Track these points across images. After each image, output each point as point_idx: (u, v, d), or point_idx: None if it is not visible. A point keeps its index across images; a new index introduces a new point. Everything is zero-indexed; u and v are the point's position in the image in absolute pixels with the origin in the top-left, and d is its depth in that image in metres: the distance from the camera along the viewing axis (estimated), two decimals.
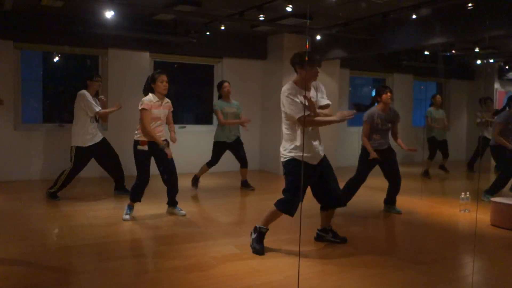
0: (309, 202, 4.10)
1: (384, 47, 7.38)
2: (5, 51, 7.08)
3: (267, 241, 4.35)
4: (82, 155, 5.87)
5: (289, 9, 6.16)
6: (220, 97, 6.81)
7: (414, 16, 6.20)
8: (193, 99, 10.08)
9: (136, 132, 5.01)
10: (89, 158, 6.04)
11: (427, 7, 6.06)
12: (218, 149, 6.71)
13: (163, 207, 5.52)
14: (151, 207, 5.66)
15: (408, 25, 6.63)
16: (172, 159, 5.12)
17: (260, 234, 4.03)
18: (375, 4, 6.11)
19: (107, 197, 6.14)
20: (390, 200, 5.77)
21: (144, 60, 8.03)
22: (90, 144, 5.88)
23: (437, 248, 4.43)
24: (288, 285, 3.33)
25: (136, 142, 4.96)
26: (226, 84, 6.77)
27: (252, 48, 8.88)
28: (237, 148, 6.76)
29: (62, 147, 7.46)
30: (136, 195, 5.04)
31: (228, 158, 6.93)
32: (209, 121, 8.99)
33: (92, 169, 7.55)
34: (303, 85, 3.93)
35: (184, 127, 8.29)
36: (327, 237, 4.39)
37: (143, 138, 4.92)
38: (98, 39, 7.51)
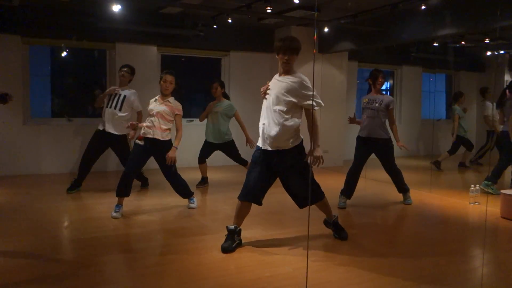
0: None
1: (392, 39, 7.31)
2: (13, 46, 7.11)
3: (277, 233, 4.35)
4: (94, 137, 6.00)
5: (296, 1, 6.12)
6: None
7: (423, 7, 6.13)
8: (200, 93, 10.05)
9: None
10: (99, 143, 6.02)
11: None
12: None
13: (170, 201, 5.54)
14: (159, 200, 5.69)
15: (417, 16, 6.56)
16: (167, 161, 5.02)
17: (228, 232, 3.92)
18: None
19: None
20: (401, 189, 5.76)
21: (151, 54, 8.04)
22: (102, 128, 5.93)
23: (447, 240, 4.40)
24: (297, 277, 3.32)
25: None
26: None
27: (259, 41, 8.84)
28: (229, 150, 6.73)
29: (71, 141, 7.53)
30: (119, 188, 4.84)
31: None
32: None
33: (105, 162, 7.61)
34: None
35: (192, 120, 8.29)
36: (330, 228, 4.34)
37: (141, 134, 4.99)
38: (106, 33, 7.52)
